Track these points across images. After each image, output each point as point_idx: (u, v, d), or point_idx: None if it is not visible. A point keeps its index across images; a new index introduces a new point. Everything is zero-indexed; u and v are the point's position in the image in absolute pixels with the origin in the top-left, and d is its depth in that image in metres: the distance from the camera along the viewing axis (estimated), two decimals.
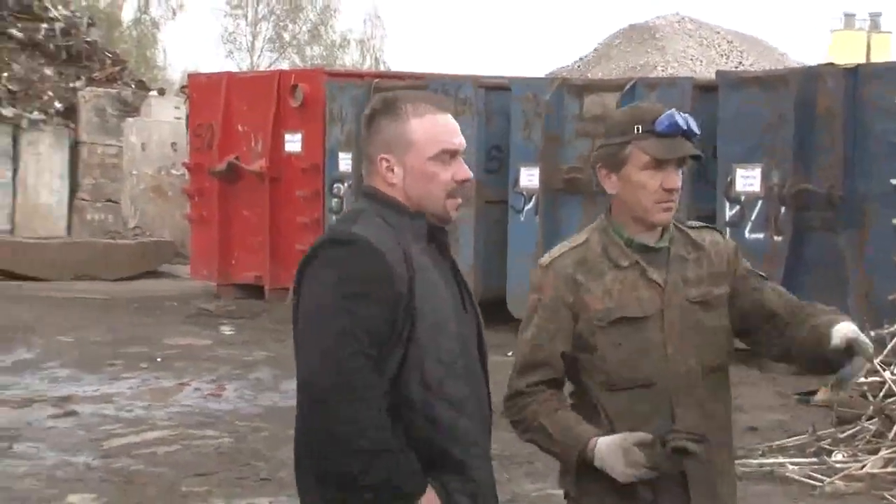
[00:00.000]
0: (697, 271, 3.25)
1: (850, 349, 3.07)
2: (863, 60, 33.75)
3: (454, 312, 2.93)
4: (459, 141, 2.99)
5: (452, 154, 2.96)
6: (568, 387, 3.32)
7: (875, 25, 63.02)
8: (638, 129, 3.17)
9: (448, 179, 2.96)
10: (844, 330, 3.09)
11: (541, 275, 3.25)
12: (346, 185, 13.57)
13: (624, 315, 3.17)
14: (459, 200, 2.99)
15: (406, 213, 2.94)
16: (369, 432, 2.75)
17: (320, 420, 2.77)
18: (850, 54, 43.06)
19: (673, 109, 3.19)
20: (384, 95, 3.02)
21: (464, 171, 2.98)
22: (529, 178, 11.98)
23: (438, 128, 2.95)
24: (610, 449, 3.11)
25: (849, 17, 63.21)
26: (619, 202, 3.24)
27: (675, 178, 3.18)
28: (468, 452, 2.89)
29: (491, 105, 12.53)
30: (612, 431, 3.16)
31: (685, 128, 3.17)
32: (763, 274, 3.36)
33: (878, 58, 46.43)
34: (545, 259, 3.27)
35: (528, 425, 3.21)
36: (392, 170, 2.94)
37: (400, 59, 71.50)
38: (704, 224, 3.40)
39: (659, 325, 3.18)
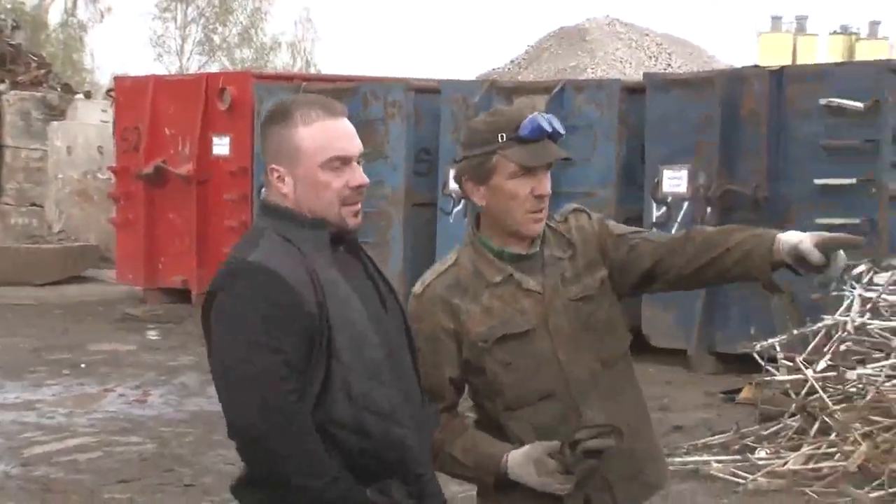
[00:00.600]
0: (574, 268, 3.16)
1: (826, 251, 3.00)
2: (789, 62, 34.15)
3: (373, 318, 2.84)
4: (353, 146, 2.86)
5: (345, 161, 2.85)
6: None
7: (801, 28, 63.88)
8: (502, 137, 3.06)
9: (341, 187, 2.84)
10: (804, 236, 3.02)
11: (416, 304, 3.14)
12: None
13: (507, 332, 3.09)
14: (357, 207, 2.87)
15: (305, 223, 2.84)
16: (313, 466, 2.71)
17: (263, 464, 2.74)
18: (777, 56, 43.58)
19: (535, 113, 3.11)
20: (279, 102, 2.93)
21: (358, 176, 2.85)
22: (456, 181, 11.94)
23: (328, 134, 2.84)
24: (521, 463, 3.05)
25: (776, 20, 64.04)
26: (488, 214, 3.14)
27: (546, 184, 3.10)
28: (404, 458, 2.83)
29: (420, 107, 12.51)
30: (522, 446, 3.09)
31: (550, 130, 3.08)
32: (629, 230, 3.24)
33: (803, 60, 47.05)
34: (418, 287, 3.16)
35: (435, 455, 3.07)
36: (283, 180, 2.85)
37: (331, 61, 71.22)
38: (571, 209, 3.26)
39: (545, 334, 3.10)
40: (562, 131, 3.11)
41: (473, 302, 3.11)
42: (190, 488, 7.07)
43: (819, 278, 3.17)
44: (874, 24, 63.94)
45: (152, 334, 12.60)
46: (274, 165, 2.86)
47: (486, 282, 3.11)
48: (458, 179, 3.17)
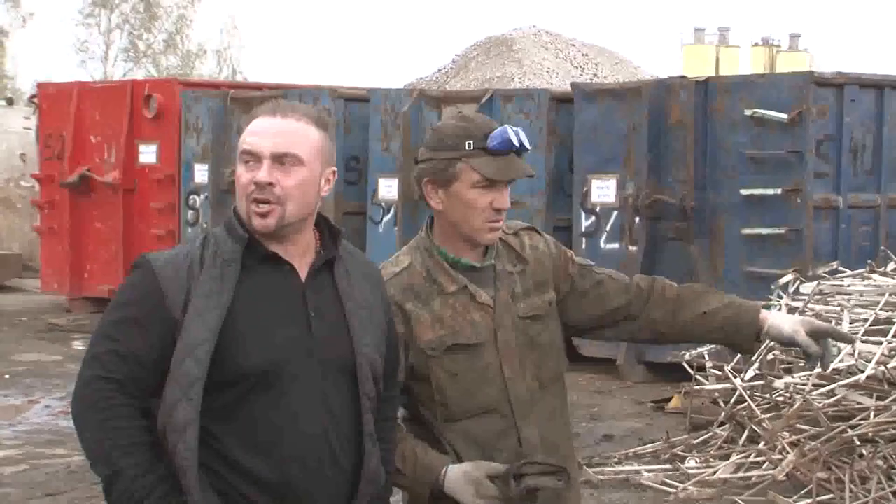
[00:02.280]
0: (523, 284, 3.15)
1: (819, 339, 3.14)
2: (712, 73, 34.54)
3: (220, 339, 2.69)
4: (264, 143, 2.72)
5: (253, 156, 2.73)
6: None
7: (723, 40, 64.71)
8: (469, 145, 3.02)
9: (247, 182, 2.74)
10: (796, 325, 3.14)
11: None
12: (202, 196, 13.41)
13: (457, 342, 3.06)
14: (260, 208, 2.72)
15: (234, 234, 2.76)
16: (106, 454, 2.66)
17: (82, 442, 2.74)
18: (700, 67, 44.08)
19: (506, 125, 3.07)
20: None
21: (259, 174, 2.72)
22: (388, 189, 11.97)
23: (250, 129, 2.77)
24: (460, 480, 3.02)
25: (699, 32, 64.80)
26: (444, 220, 3.10)
27: (506, 198, 3.07)
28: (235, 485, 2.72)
29: (349, 116, 12.51)
30: (458, 460, 3.07)
31: (517, 144, 3.04)
32: (592, 264, 3.28)
33: (726, 71, 47.58)
34: None
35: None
36: None
37: (257, 69, 70.92)
38: (523, 226, 3.26)
39: (493, 348, 3.08)
40: (528, 146, 3.09)
41: (424, 308, 3.07)
42: None
43: (813, 366, 3.30)
44: (794, 37, 64.91)
45: (78, 344, 12.43)
46: None
47: (439, 289, 3.08)
48: (417, 180, 3.12)
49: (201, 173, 13.42)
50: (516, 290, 3.14)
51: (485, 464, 3.04)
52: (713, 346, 8.39)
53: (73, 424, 2.74)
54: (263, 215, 2.72)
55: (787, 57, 60.35)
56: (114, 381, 2.68)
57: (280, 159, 2.72)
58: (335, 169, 2.85)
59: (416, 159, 3.15)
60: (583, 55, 27.75)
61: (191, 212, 13.55)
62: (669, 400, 9.28)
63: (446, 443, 3.10)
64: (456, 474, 3.03)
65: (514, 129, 3.06)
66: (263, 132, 2.74)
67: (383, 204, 12.05)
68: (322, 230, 2.87)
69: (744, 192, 10.05)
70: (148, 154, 14.03)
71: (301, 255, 2.81)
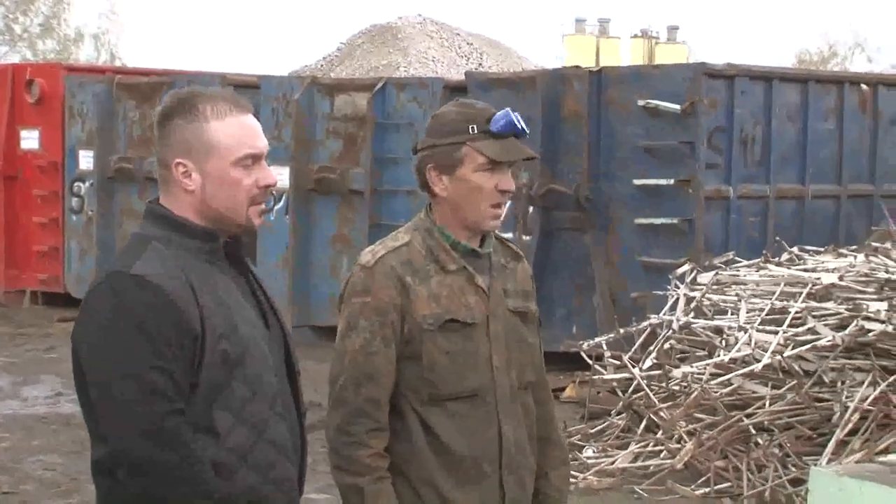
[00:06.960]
0: (514, 283, 3.19)
1: None
2: (593, 64, 34.84)
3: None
4: (263, 143, 2.76)
5: (256, 158, 2.73)
6: None
7: (604, 31, 65.31)
8: (473, 129, 3.05)
9: (250, 185, 2.72)
10: None
11: (365, 276, 3.05)
12: (87, 183, 13.15)
13: (454, 318, 3.05)
14: (262, 206, 2.77)
15: (197, 234, 2.71)
16: (210, 486, 2.58)
17: (151, 490, 2.56)
18: (581, 58, 44.43)
19: (507, 109, 3.08)
20: (178, 93, 2.75)
21: (268, 175, 2.75)
22: (279, 177, 11.83)
23: (242, 130, 2.73)
24: None
25: (579, 23, 65.31)
26: (446, 206, 3.10)
27: (510, 180, 3.08)
28: (288, 495, 2.73)
29: None
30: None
31: (520, 127, 3.07)
32: (540, 321, 3.31)
33: (606, 61, 48.05)
34: (368, 259, 3.07)
35: (353, 471, 3.00)
36: (190, 176, 2.70)
37: (137, 55, 69.80)
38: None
39: (485, 333, 3.09)
40: (527, 130, 3.11)
41: (423, 284, 3.06)
42: (9, 496, 6.78)
43: None
44: (672, 29, 65.70)
45: None
46: (180, 160, 2.70)
47: (438, 267, 3.08)
48: (419, 168, 3.11)
49: (86, 160, 13.16)
50: (507, 284, 3.17)
51: None
52: (611, 335, 8.48)
53: (144, 463, 2.55)
54: (261, 214, 2.78)
55: (666, 49, 61.03)
56: (181, 411, 2.58)
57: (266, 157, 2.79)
58: None
59: (415, 148, 3.15)
60: (468, 44, 27.81)
61: (75, 199, 13.29)
62: (564, 389, 9.32)
63: (426, 424, 3.05)
64: None
65: (515, 113, 3.07)
66: (257, 133, 2.76)
67: (274, 193, 11.90)
68: None
69: (637, 182, 10.12)
70: (30, 140, 13.73)
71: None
